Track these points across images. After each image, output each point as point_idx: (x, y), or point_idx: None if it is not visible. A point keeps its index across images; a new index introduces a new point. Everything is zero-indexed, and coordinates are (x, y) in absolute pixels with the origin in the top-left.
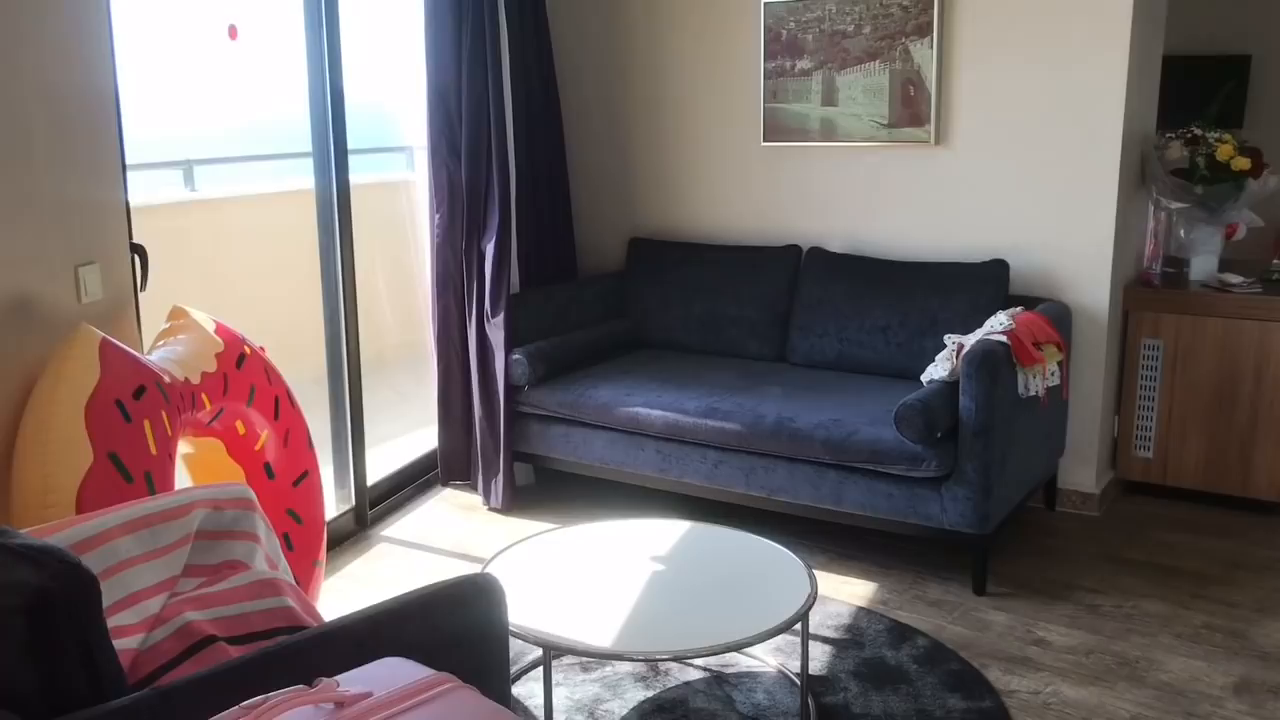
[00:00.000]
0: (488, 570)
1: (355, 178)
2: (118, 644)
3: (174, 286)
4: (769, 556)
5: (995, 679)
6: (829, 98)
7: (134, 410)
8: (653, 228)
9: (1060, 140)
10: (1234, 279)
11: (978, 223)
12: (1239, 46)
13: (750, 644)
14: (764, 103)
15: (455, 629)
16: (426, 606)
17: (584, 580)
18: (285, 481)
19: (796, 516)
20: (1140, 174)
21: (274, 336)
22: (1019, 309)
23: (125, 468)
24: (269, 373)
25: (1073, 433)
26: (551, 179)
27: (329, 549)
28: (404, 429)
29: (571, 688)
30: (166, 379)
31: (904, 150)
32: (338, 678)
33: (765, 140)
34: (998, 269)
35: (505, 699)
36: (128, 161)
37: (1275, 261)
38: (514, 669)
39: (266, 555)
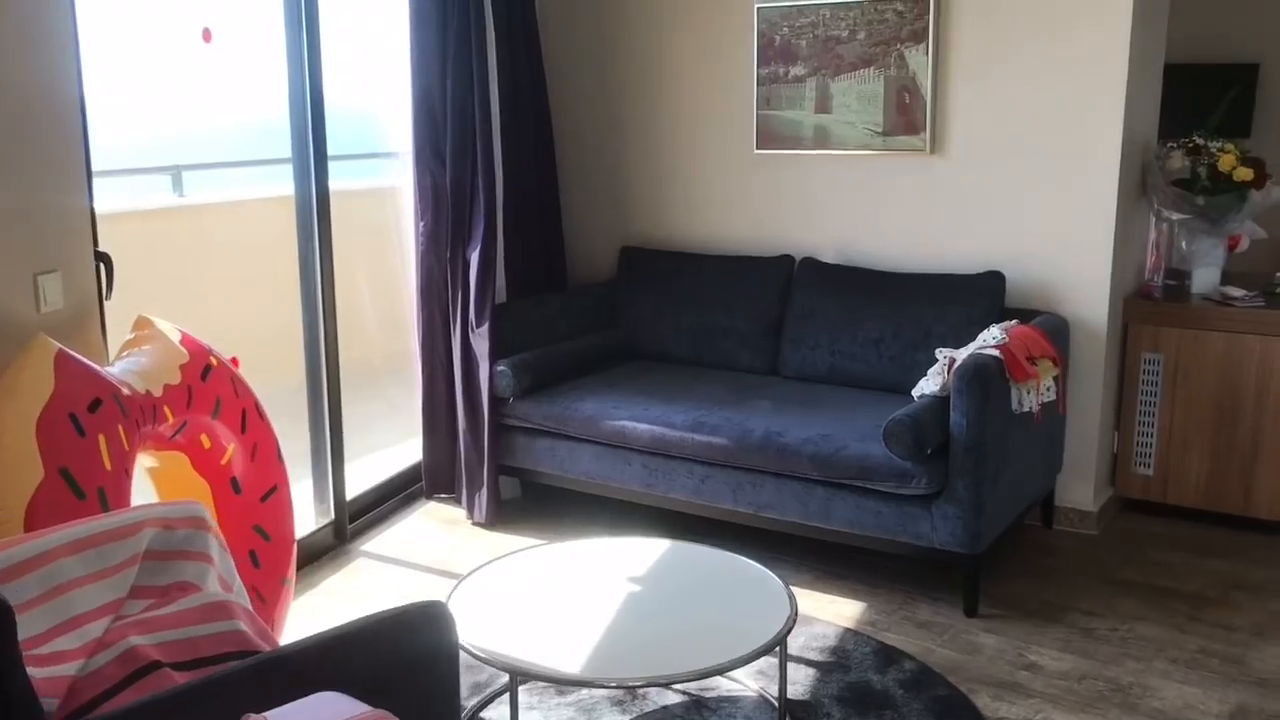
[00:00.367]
0: (461, 588)
1: (343, 184)
2: (54, 670)
3: (158, 294)
4: (750, 577)
5: (984, 705)
6: (823, 105)
7: (88, 424)
8: (645, 236)
9: (1058, 150)
10: (1236, 292)
11: (973, 233)
12: (1247, 55)
13: (725, 670)
14: (757, 109)
15: (404, 657)
16: (374, 635)
17: (559, 601)
18: (253, 496)
19: (784, 534)
20: (1141, 184)
21: (259, 345)
22: (1013, 322)
23: (77, 483)
24: (236, 385)
25: (1070, 449)
26: (541, 186)
27: (306, 564)
28: (395, 439)
29: (546, 711)
30: (125, 391)
31: (899, 159)
32: (267, 714)
33: (758, 148)
34: (993, 281)
35: None
36: (114, 167)
37: (1279, 275)
38: (486, 693)
39: (220, 576)
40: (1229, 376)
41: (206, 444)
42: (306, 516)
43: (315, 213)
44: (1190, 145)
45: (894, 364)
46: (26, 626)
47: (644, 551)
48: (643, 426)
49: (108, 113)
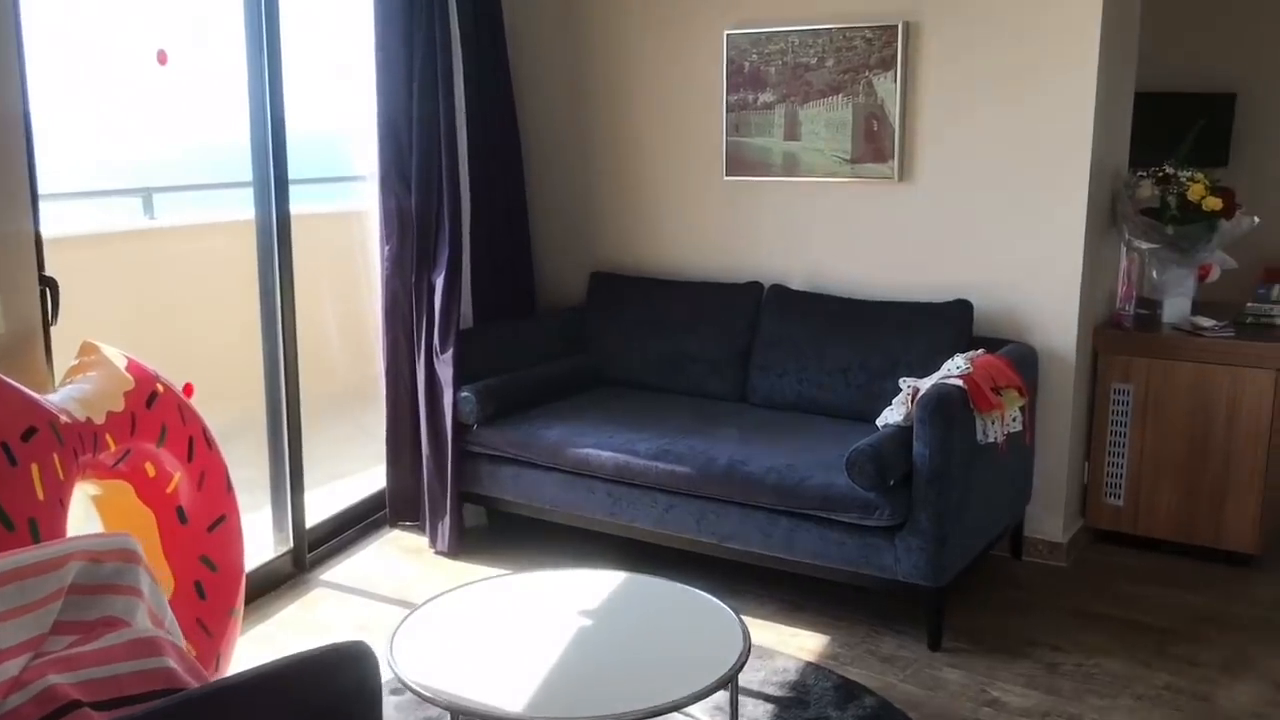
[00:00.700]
0: (410, 621)
1: (311, 207)
2: None
3: (121, 318)
4: (704, 610)
5: None
6: (791, 132)
7: (20, 453)
8: (615, 261)
9: (1026, 178)
10: (1206, 322)
11: (942, 262)
12: (1224, 85)
13: (675, 707)
14: (726, 136)
15: (323, 700)
16: (293, 675)
17: (508, 635)
18: (199, 526)
19: (748, 565)
20: (1111, 213)
21: (226, 370)
22: (979, 351)
23: (7, 514)
24: (183, 412)
25: (1040, 479)
26: (510, 211)
27: (262, 594)
28: (364, 465)
29: None
30: (63, 419)
31: (867, 186)
32: None
33: (727, 174)
34: (961, 309)
35: None
36: (83, 189)
37: (1250, 305)
38: None
39: (150, 611)
40: (1199, 407)
41: (151, 472)
42: (265, 545)
43: (275, 237)
44: (1160, 174)
45: (862, 392)
46: None
47: (599, 584)
48: (607, 454)
49: (75, 134)
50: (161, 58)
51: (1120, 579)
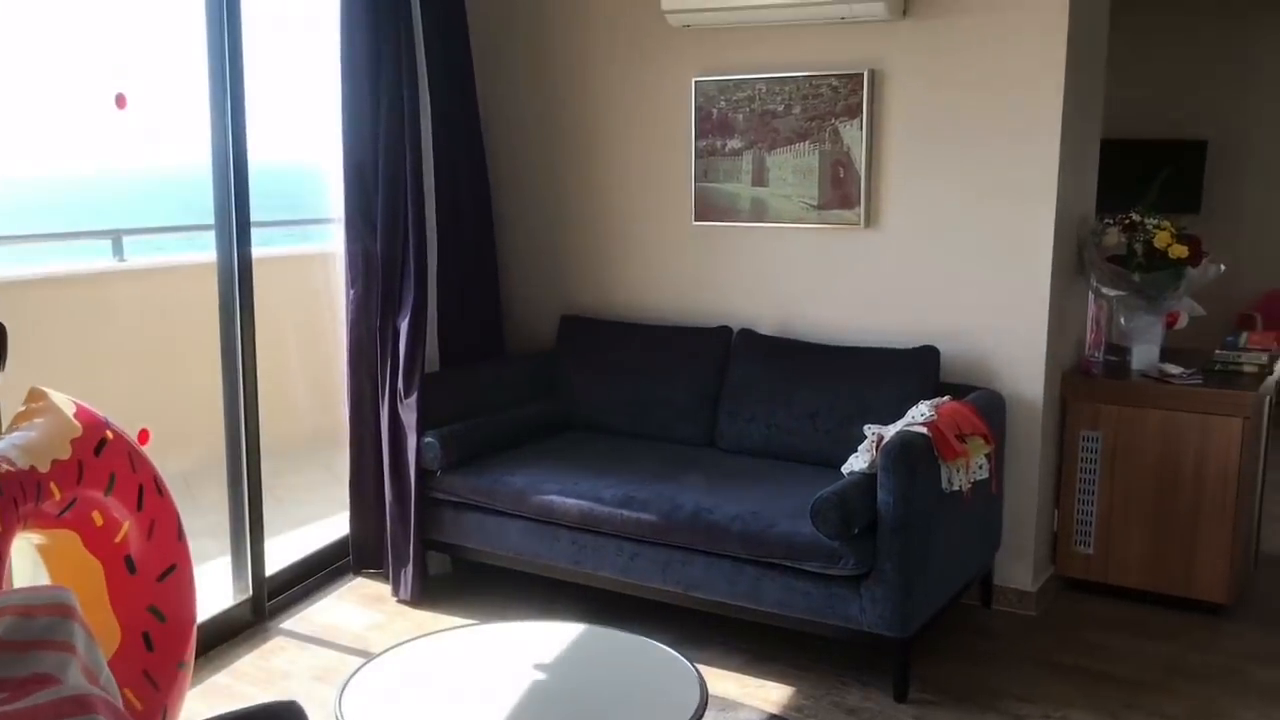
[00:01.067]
0: (361, 674)
1: (278, 250)
2: None
3: (80, 361)
4: (662, 664)
5: None
6: (759, 178)
7: None
8: (584, 305)
9: (992, 225)
10: (1174, 370)
11: (909, 307)
12: (1195, 132)
13: None
14: (695, 181)
15: None
16: None
17: (462, 688)
18: (148, 576)
19: (714, 614)
20: (1079, 260)
21: (190, 414)
22: (944, 399)
23: None
24: (134, 459)
25: (1009, 527)
26: (478, 254)
27: (219, 643)
28: (331, 509)
29: None
30: (4, 468)
31: (834, 232)
32: None
33: (696, 219)
34: (928, 355)
35: None
36: (56, 230)
37: (1218, 352)
38: None
39: (84, 668)
40: (1168, 455)
41: (99, 521)
42: (223, 592)
43: (237, 280)
44: (1126, 222)
45: (829, 438)
46: None
47: (557, 637)
48: (571, 501)
49: (38, 177)
50: (120, 101)
51: (1090, 628)
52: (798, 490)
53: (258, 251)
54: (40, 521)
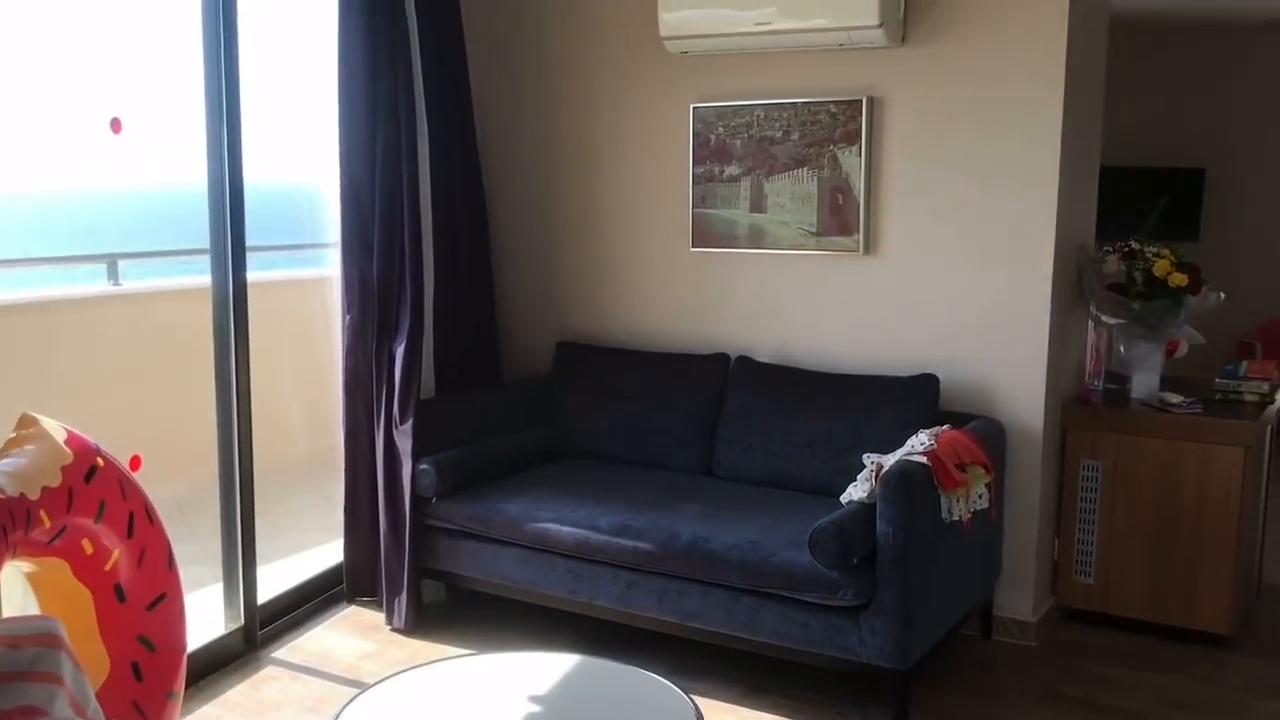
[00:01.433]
0: (351, 709)
1: (275, 274)
2: None
3: (79, 385)
4: (657, 695)
5: None
6: (757, 204)
7: None
8: (582, 331)
9: (992, 253)
10: (1174, 398)
11: (908, 335)
12: (1193, 159)
13: None
14: (692, 207)
15: None
16: None
17: None
18: (138, 604)
19: (712, 645)
20: (1078, 288)
21: (185, 439)
22: (944, 427)
23: None
24: (124, 486)
25: (1009, 557)
26: (475, 280)
27: (210, 672)
28: (327, 536)
29: None
30: None
31: (833, 259)
32: None
33: (694, 246)
34: (927, 383)
35: None
36: (51, 254)
37: (1219, 381)
38: None
39: (71, 699)
40: (1168, 485)
41: (88, 549)
42: (215, 621)
43: (232, 305)
44: (1125, 250)
45: (828, 466)
46: None
47: (551, 668)
48: (567, 529)
49: (39, 197)
50: (115, 126)
51: (1091, 660)
52: (796, 519)
53: (253, 276)
54: (30, 549)
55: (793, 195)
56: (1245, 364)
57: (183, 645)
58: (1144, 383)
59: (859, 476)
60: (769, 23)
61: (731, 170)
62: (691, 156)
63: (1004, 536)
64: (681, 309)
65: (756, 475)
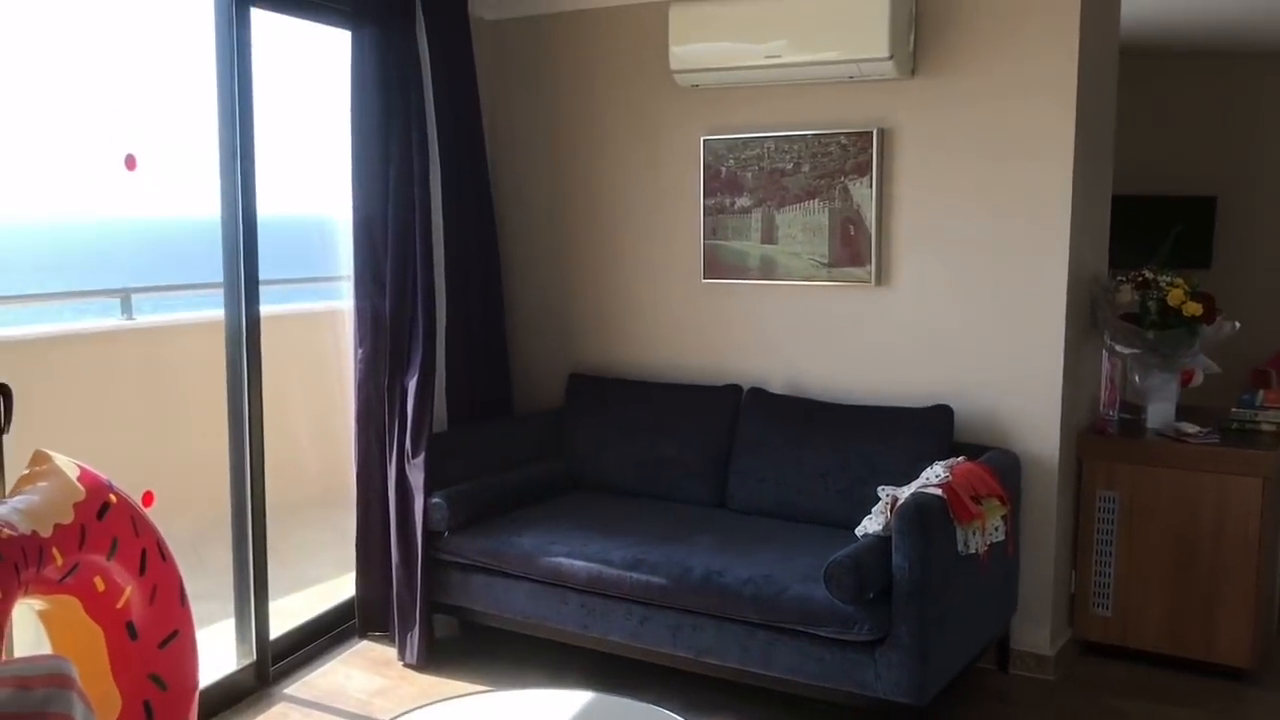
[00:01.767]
0: None
1: (288, 307)
2: None
3: (94, 421)
4: None
5: None
6: (769, 235)
7: None
8: (593, 363)
9: (1004, 282)
10: (1190, 429)
11: (921, 366)
12: (1204, 188)
13: None
14: (703, 239)
15: None
16: None
17: None
18: (150, 642)
19: (726, 680)
20: (1092, 317)
21: (199, 473)
22: (959, 459)
23: None
24: (137, 523)
25: (1026, 589)
26: (487, 313)
27: (221, 709)
28: (339, 570)
29: None
30: (4, 533)
31: (845, 290)
32: None
33: (705, 277)
34: (941, 415)
35: None
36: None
37: (1235, 410)
38: None
39: None
40: (1186, 516)
41: (100, 587)
42: (227, 656)
43: (245, 338)
44: (1139, 279)
45: (842, 498)
46: None
47: (564, 705)
48: (579, 563)
49: (49, 236)
50: (130, 163)
51: (1110, 693)
52: (810, 553)
53: (266, 309)
54: (41, 587)
55: (804, 226)
56: (1262, 393)
57: (195, 683)
58: (1160, 413)
59: (874, 509)
60: (779, 56)
61: (742, 202)
62: (702, 188)
63: (1020, 569)
64: (693, 340)
65: (770, 507)
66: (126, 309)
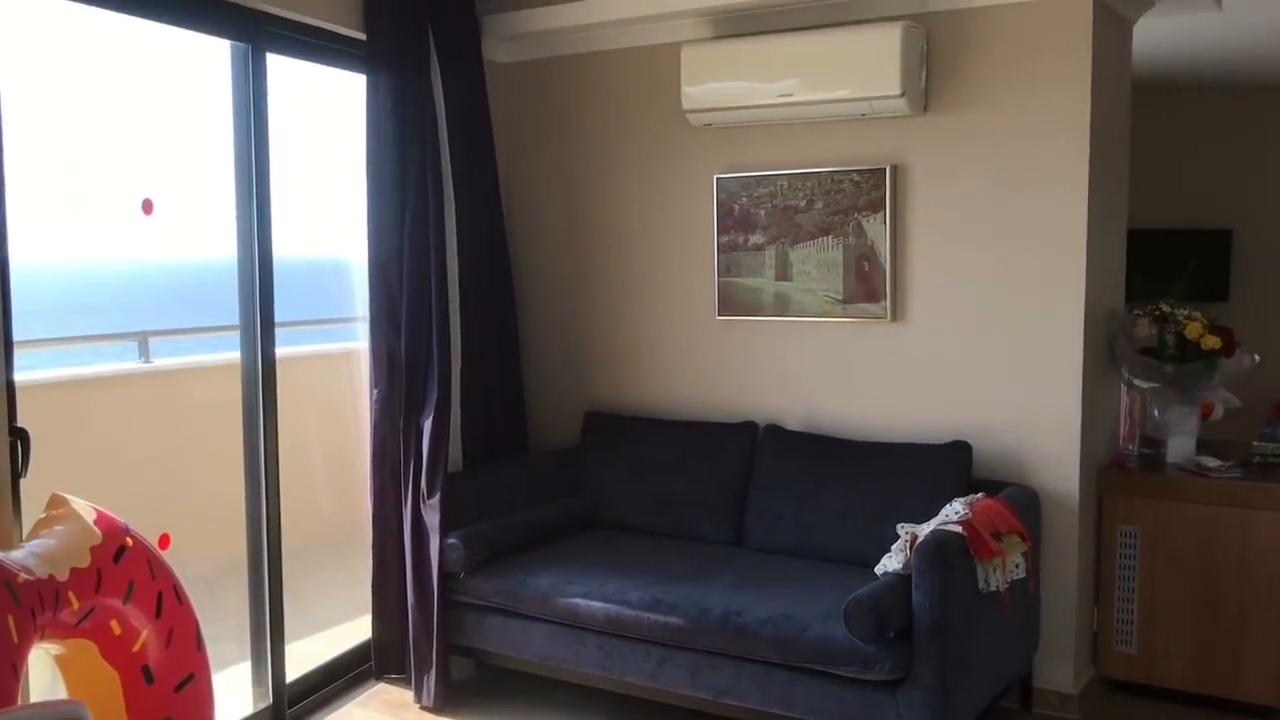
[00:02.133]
0: None
1: (303, 349)
2: None
3: (109, 462)
4: None
5: None
6: (783, 272)
7: None
8: (609, 401)
9: (1021, 318)
10: (1212, 463)
11: (938, 402)
12: (1220, 221)
13: None
14: (718, 276)
15: None
16: None
17: None
18: (166, 686)
19: None
20: (1110, 351)
21: (219, 512)
22: (978, 496)
23: None
24: (153, 566)
25: (1047, 627)
26: (502, 353)
27: None
28: (357, 611)
29: None
30: (22, 577)
31: (860, 326)
32: None
33: (720, 314)
34: (959, 451)
35: None
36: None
37: (1256, 444)
38: None
39: None
40: (1209, 551)
41: (117, 630)
42: (243, 700)
43: (260, 380)
44: (1156, 313)
45: (860, 536)
46: None
47: None
48: (597, 604)
49: (74, 278)
50: (147, 207)
51: None
52: (829, 591)
53: (281, 351)
54: (58, 631)
55: (818, 263)
56: None
57: None
58: (1180, 447)
59: (893, 547)
60: (791, 94)
61: (756, 239)
62: (716, 226)
63: (1042, 606)
64: (709, 378)
65: (788, 546)
66: (144, 352)
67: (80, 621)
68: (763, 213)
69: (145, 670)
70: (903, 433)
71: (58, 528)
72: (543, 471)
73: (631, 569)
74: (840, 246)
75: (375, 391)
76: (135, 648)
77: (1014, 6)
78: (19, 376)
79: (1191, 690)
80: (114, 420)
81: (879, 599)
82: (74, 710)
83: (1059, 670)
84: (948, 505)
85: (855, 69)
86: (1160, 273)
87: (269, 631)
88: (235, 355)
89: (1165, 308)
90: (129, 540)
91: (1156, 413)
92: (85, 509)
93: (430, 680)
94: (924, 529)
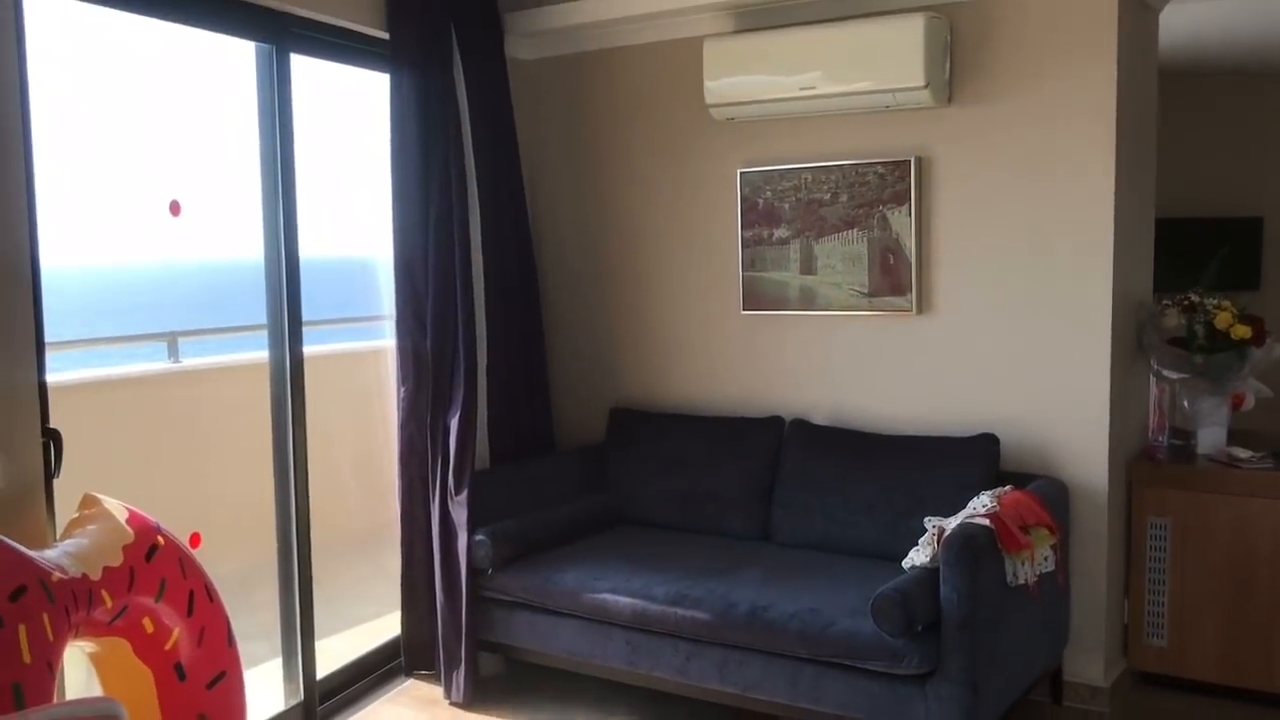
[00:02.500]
0: None
1: (331, 347)
2: None
3: (142, 464)
4: None
5: None
6: (807, 266)
7: (8, 614)
8: (634, 397)
9: (1048, 309)
10: (1243, 453)
11: (966, 394)
12: (1251, 209)
13: None
14: (742, 271)
15: None
16: None
17: None
18: (198, 683)
19: (775, 716)
20: (1138, 342)
21: (248, 511)
22: (1006, 488)
23: None
24: (185, 565)
25: (1077, 619)
26: (527, 350)
27: None
28: (386, 608)
29: None
30: (56, 576)
31: (886, 319)
32: None
33: (745, 308)
34: (987, 444)
35: None
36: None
37: None
38: None
39: None
40: (1241, 542)
41: (149, 628)
42: (274, 697)
43: (289, 379)
44: (1185, 303)
45: (888, 530)
46: None
47: None
48: (624, 599)
49: (104, 280)
50: (174, 209)
51: None
52: (857, 586)
53: (309, 349)
54: (92, 630)
55: (843, 256)
56: None
57: None
58: (1210, 438)
59: (920, 540)
60: (814, 87)
61: (780, 233)
62: (740, 220)
63: (1071, 599)
64: (734, 373)
65: (815, 540)
66: (173, 352)
67: (114, 620)
68: (787, 206)
69: (178, 668)
70: (930, 426)
71: (90, 527)
72: (569, 468)
73: (658, 564)
74: (865, 239)
75: (402, 389)
76: (168, 645)
77: None
78: (50, 378)
79: (1223, 683)
80: (144, 420)
81: (907, 593)
82: (109, 708)
83: (1089, 663)
84: (975, 498)
85: (878, 61)
86: (1189, 262)
87: (299, 629)
88: (263, 355)
89: (1194, 297)
90: (160, 539)
91: (1186, 403)
92: (117, 508)
93: (459, 676)
94: (951, 522)
